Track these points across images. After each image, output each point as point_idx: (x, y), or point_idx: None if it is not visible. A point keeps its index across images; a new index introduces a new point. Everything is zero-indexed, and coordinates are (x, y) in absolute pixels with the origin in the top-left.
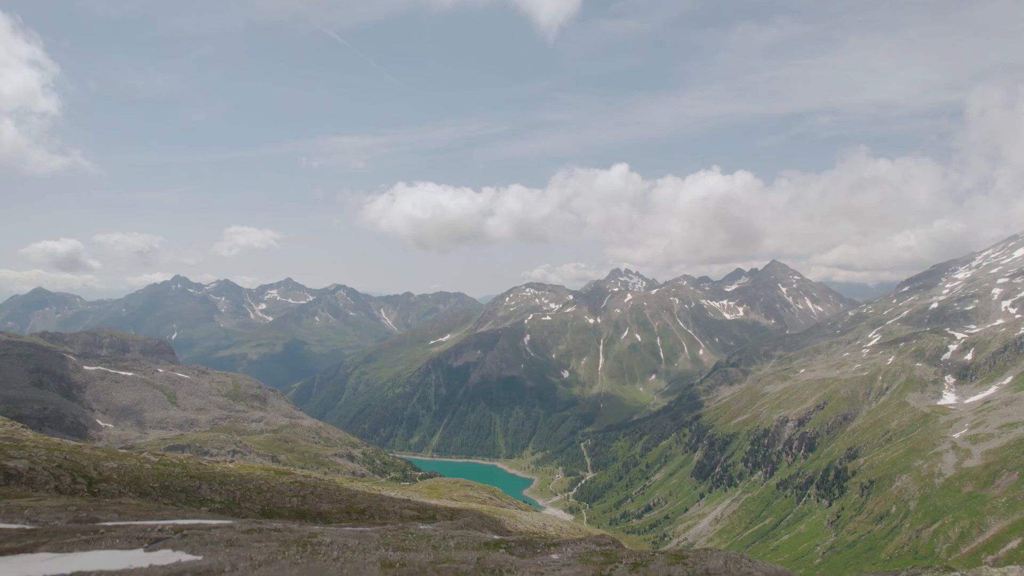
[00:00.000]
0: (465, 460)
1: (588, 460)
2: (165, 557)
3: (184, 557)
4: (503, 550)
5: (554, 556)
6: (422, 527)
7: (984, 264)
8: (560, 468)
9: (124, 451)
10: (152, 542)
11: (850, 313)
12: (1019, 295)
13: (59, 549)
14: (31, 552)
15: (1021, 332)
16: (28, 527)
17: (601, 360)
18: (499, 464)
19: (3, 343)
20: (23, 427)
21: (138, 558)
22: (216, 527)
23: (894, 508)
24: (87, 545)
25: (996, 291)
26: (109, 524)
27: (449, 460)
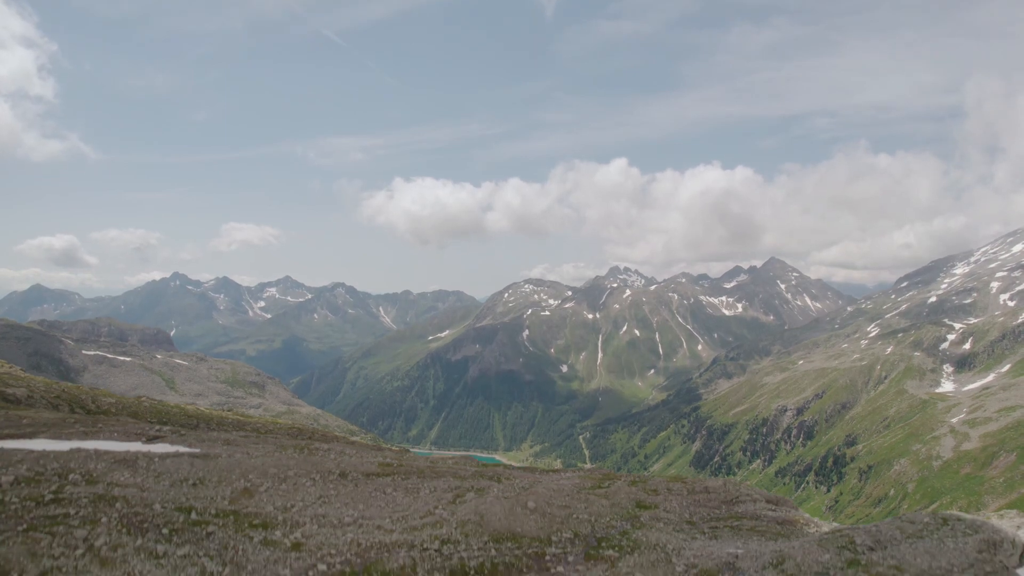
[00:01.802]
0: (463, 452)
1: (587, 452)
2: (163, 448)
3: (182, 448)
4: (501, 468)
5: (553, 476)
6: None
7: (983, 260)
8: (559, 460)
9: (121, 395)
10: (150, 439)
11: (849, 309)
12: (1017, 288)
13: (57, 437)
14: (29, 439)
15: (1020, 321)
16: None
17: (600, 355)
18: (497, 456)
19: (2, 327)
20: (21, 369)
21: (136, 447)
22: (214, 432)
23: (892, 491)
24: (85, 436)
25: (995, 284)
26: (108, 424)
27: (447, 452)
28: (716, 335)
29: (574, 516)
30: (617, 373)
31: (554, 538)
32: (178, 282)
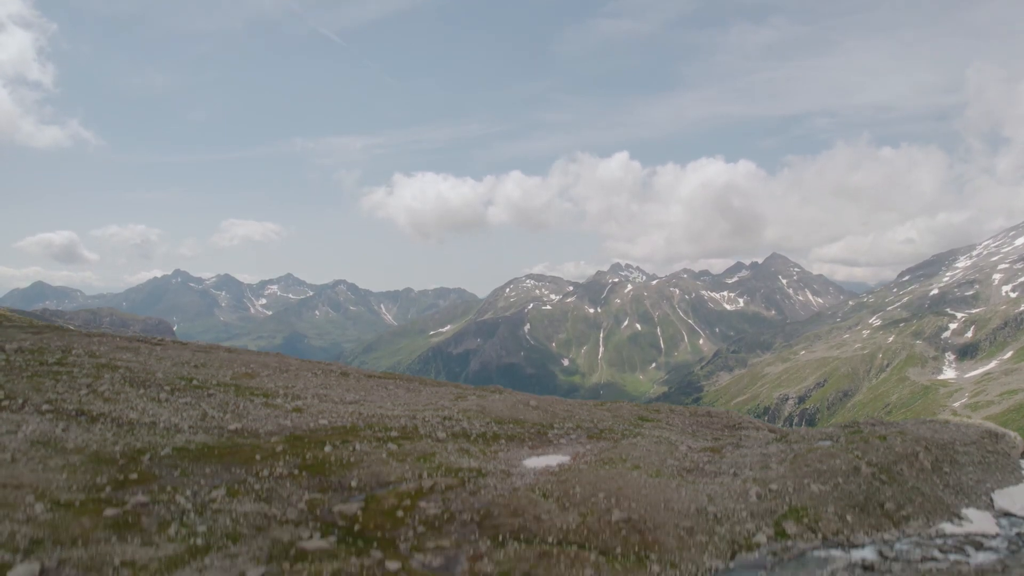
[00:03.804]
0: None
1: None
2: (165, 348)
3: (185, 351)
4: (500, 388)
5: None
6: None
7: (985, 253)
8: None
9: None
10: (155, 344)
11: (850, 303)
12: (1020, 280)
13: (61, 338)
14: (35, 335)
15: (1022, 308)
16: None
17: (601, 349)
18: None
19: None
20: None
21: (138, 345)
22: (218, 346)
23: None
24: (88, 337)
25: (997, 276)
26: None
27: None
28: (717, 330)
29: (576, 416)
30: (618, 367)
31: (556, 425)
32: (180, 279)
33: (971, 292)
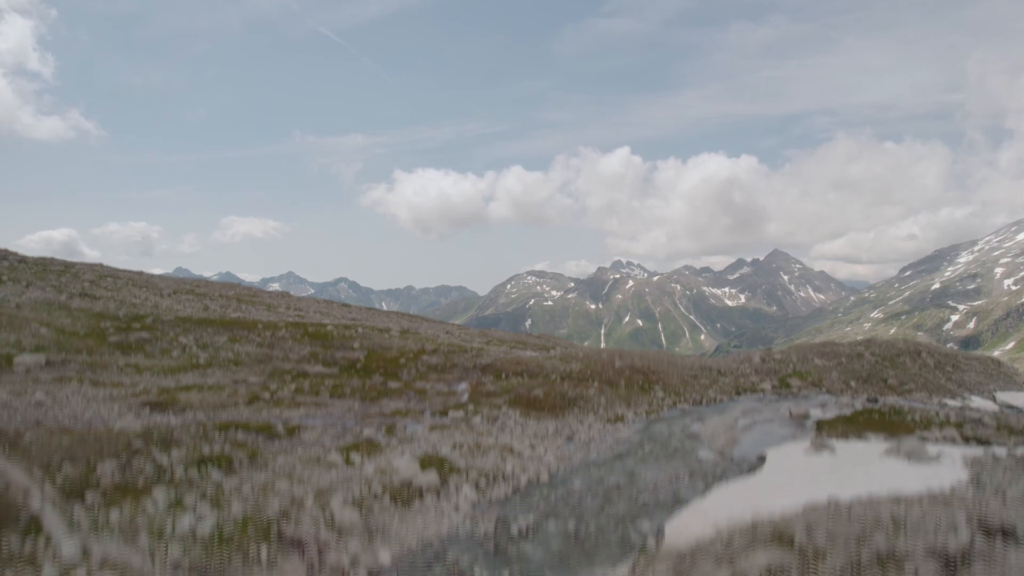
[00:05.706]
0: None
1: None
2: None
3: (186, 280)
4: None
5: None
6: None
7: (987, 248)
8: None
9: None
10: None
11: (852, 298)
12: (1022, 273)
13: (64, 263)
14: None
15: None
16: None
17: (602, 345)
18: None
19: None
20: None
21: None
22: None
23: None
24: (92, 266)
25: (999, 270)
26: None
27: None
28: (719, 325)
29: (577, 349)
30: None
31: (558, 348)
32: (181, 277)
33: (973, 286)
